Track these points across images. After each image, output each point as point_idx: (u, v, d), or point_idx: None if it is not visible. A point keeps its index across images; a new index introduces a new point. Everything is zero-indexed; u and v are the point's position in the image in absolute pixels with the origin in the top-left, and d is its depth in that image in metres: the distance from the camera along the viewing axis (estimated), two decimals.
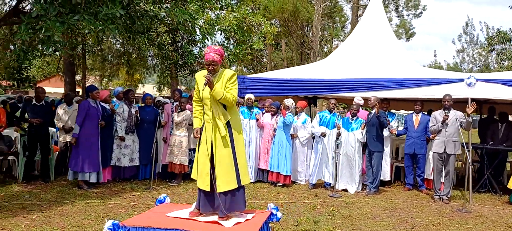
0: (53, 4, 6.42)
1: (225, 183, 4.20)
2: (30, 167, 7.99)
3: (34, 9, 6.08)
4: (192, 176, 4.51)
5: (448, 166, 7.42)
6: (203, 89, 4.29)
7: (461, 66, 35.80)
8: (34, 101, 7.96)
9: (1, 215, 5.57)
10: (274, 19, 19.80)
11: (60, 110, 8.51)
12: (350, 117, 8.13)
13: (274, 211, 4.69)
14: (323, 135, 8.13)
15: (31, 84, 40.98)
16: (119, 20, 6.61)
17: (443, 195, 7.44)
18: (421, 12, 22.99)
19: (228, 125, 4.32)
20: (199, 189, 4.36)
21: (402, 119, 10.07)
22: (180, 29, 8.48)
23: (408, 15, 23.38)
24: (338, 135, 7.89)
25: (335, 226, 5.68)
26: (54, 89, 34.82)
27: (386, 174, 8.63)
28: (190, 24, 8.20)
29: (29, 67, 35.06)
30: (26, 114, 7.91)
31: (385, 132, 8.41)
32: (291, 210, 6.49)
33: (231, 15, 9.76)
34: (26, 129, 8.11)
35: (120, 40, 18.93)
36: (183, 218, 4.21)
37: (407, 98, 8.90)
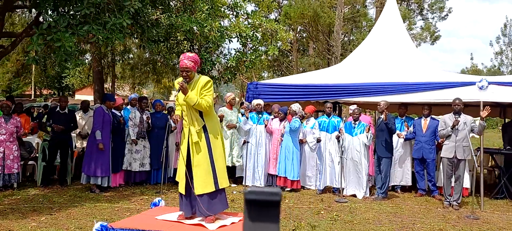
0: (64, 15, 6.76)
1: (203, 186, 4.31)
2: (50, 171, 8.37)
3: (46, 20, 6.42)
4: (176, 179, 4.65)
5: (458, 171, 7.24)
6: (175, 96, 4.42)
7: (500, 68, 34.52)
8: (58, 109, 8.35)
9: (12, 217, 5.87)
10: (295, 25, 19.85)
11: (77, 117, 8.88)
12: (353, 121, 8.08)
13: None
14: (318, 140, 8.18)
15: (70, 92, 42.61)
16: (127, 29, 6.85)
17: (453, 201, 7.27)
18: (447, 15, 22.46)
19: (204, 129, 4.42)
20: (180, 193, 4.50)
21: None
22: (188, 37, 8.66)
23: (433, 17, 22.89)
24: (338, 137, 7.89)
25: None
26: (91, 97, 36.10)
27: (407, 180, 8.53)
28: (199, 32, 8.35)
29: (68, 76, 36.51)
30: (50, 121, 8.31)
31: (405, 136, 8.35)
32: (293, 215, 6.52)
33: (241, 23, 9.87)
34: (50, 134, 8.55)
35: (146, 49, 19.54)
36: (170, 221, 4.32)
37: (418, 102, 8.76)
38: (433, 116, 8.45)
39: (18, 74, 24.84)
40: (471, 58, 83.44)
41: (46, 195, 7.40)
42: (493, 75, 9.56)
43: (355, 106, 8.31)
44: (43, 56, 6.61)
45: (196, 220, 4.35)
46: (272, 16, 24.68)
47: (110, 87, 26.59)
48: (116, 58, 22.74)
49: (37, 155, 8.63)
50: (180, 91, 4.35)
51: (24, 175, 9.07)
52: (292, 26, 21.64)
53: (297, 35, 29.44)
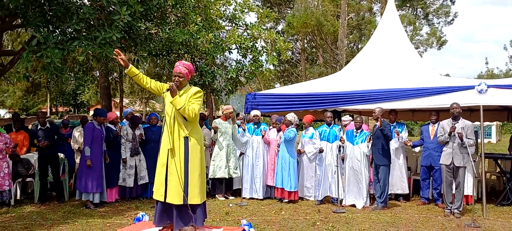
0: (54, 31, 6.79)
1: (173, 196, 4.24)
2: (45, 187, 8.37)
3: (35, 38, 6.46)
4: (154, 188, 4.59)
5: (458, 178, 7.02)
6: (164, 92, 4.39)
7: None
8: (39, 126, 8.37)
9: None
10: (299, 35, 19.76)
11: (76, 133, 8.90)
12: (355, 130, 7.91)
13: (246, 228, 4.63)
14: (321, 150, 8.01)
15: (85, 108, 43.14)
16: (117, 43, 6.85)
17: (454, 209, 7.04)
18: (453, 19, 22.15)
19: (185, 139, 4.36)
20: (156, 201, 4.42)
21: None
22: (184, 51, 8.64)
23: (439, 22, 22.58)
24: (339, 147, 7.71)
25: None
26: None
27: (404, 187, 8.31)
28: (192, 44, 8.33)
29: (82, 93, 37.03)
30: (35, 141, 8.32)
31: (395, 144, 8.13)
32: (288, 227, 6.37)
33: (238, 34, 9.83)
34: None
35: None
36: None
37: (419, 109, 8.57)
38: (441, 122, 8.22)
39: (28, 92, 25.24)
40: (486, 63, 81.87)
41: (41, 211, 7.38)
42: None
43: (347, 116, 8.16)
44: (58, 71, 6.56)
45: None
46: (272, 26, 24.65)
47: (119, 103, 26.83)
48: (123, 73, 22.91)
49: (34, 171, 8.64)
50: (169, 91, 4.31)
51: (24, 192, 9.11)
52: (297, 36, 21.59)
53: (305, 44, 29.42)
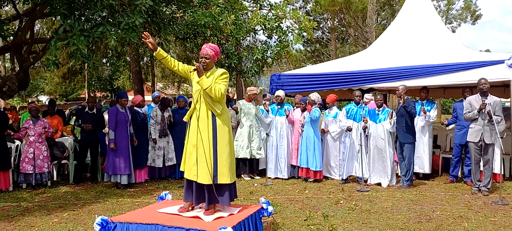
0: (80, 19, 7.01)
1: (202, 176, 4.34)
2: (81, 169, 8.76)
3: (62, 26, 6.69)
4: (181, 168, 4.70)
5: (487, 155, 6.84)
6: (190, 72, 4.46)
7: None
8: (86, 110, 8.71)
9: (38, 214, 6.18)
10: (327, 13, 19.45)
11: (106, 116, 9.21)
12: (377, 108, 7.81)
13: (264, 206, 4.71)
14: (349, 129, 7.92)
15: None
16: (140, 28, 6.99)
17: (482, 186, 6.88)
18: None
19: (213, 119, 4.44)
20: (186, 180, 4.54)
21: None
22: (205, 33, 8.72)
23: None
24: (365, 128, 7.64)
25: (344, 221, 5.54)
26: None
27: (425, 166, 8.16)
28: (214, 26, 8.39)
29: (117, 78, 38.01)
30: (79, 121, 8.68)
31: (421, 122, 7.99)
32: (310, 205, 6.42)
33: (261, 14, 9.81)
34: (79, 135, 8.93)
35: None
36: (170, 213, 4.39)
37: (449, 85, 8.36)
38: None
39: (65, 78, 26.17)
40: None
41: (75, 192, 7.74)
42: None
43: (370, 95, 8.05)
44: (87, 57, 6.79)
45: (194, 212, 4.39)
46: (302, 5, 24.31)
47: (151, 87, 27.39)
48: (154, 58, 23.35)
49: (69, 154, 9.04)
50: (196, 71, 4.38)
51: (61, 174, 9.56)
52: (327, 15, 21.26)
53: (335, 23, 28.97)
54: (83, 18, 7.05)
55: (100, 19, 7.09)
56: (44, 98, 38.83)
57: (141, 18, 6.90)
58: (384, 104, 7.90)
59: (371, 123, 7.78)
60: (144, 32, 4.57)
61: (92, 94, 41.36)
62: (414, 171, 8.03)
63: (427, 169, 8.14)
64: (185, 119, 4.67)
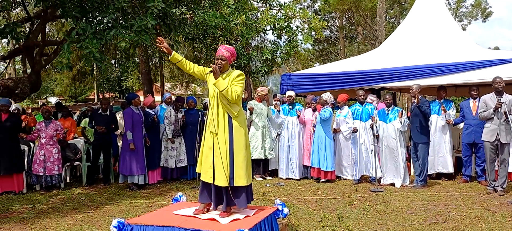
0: (92, 21, 7.04)
1: (219, 178, 4.33)
2: (94, 171, 8.80)
3: (74, 29, 6.73)
4: (197, 170, 4.68)
5: (503, 154, 6.76)
6: (207, 73, 4.45)
7: None
8: (100, 111, 8.74)
9: (53, 216, 6.21)
10: (336, 12, 19.36)
11: (117, 117, 9.23)
12: (386, 108, 7.76)
13: (280, 208, 4.69)
14: (355, 130, 7.90)
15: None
16: (152, 30, 7.01)
17: (497, 186, 6.81)
18: None
19: (229, 121, 4.42)
20: (202, 182, 4.53)
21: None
22: (215, 33, 8.72)
23: None
24: (372, 126, 7.61)
25: (360, 222, 5.50)
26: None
27: (448, 166, 8.09)
28: (224, 27, 8.39)
29: (126, 79, 38.17)
30: (93, 123, 8.71)
31: (441, 121, 7.92)
32: (324, 206, 6.39)
33: (271, 14, 9.80)
34: (90, 137, 8.97)
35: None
36: (186, 215, 4.39)
37: (461, 84, 8.28)
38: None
39: (75, 80, 26.35)
40: None
41: (88, 193, 7.78)
42: None
43: (374, 96, 8.02)
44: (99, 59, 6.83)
45: (210, 215, 4.38)
46: (309, 4, 24.23)
47: (160, 87, 27.48)
48: (163, 59, 23.43)
49: (82, 156, 9.09)
50: (212, 73, 4.37)
51: (73, 175, 9.61)
52: (335, 14, 21.18)
53: (343, 22, 28.85)
54: (95, 20, 7.09)
55: (112, 21, 7.12)
56: (53, 100, 39.15)
57: (153, 20, 6.92)
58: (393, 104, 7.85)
59: (381, 122, 7.73)
60: (158, 37, 4.56)
61: (101, 96, 41.70)
62: (438, 171, 7.97)
63: (450, 168, 8.06)
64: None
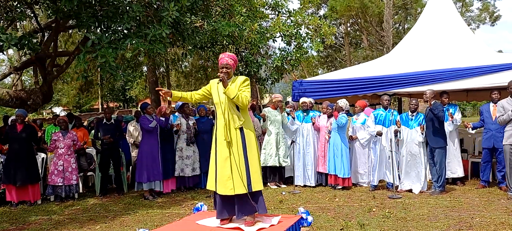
0: (107, 31, 7.04)
1: (237, 186, 4.29)
2: (106, 181, 8.77)
3: (90, 38, 6.72)
4: (208, 187, 4.61)
5: None
6: (217, 83, 4.45)
7: None
8: (104, 121, 8.73)
9: (70, 227, 6.18)
10: (343, 18, 19.36)
11: (130, 127, 9.21)
12: (410, 113, 7.69)
13: (304, 216, 4.65)
14: (379, 133, 7.80)
15: (134, 103, 44.56)
16: (166, 39, 7.01)
17: None
18: None
19: (241, 128, 4.40)
20: (218, 196, 4.47)
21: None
22: (230, 42, 8.72)
23: None
24: (396, 132, 7.53)
25: (382, 229, 5.42)
26: None
27: (458, 170, 8.00)
28: (238, 36, 8.39)
29: (131, 88, 38.24)
30: (99, 133, 8.70)
31: (449, 127, 7.84)
32: (343, 214, 6.32)
33: (282, 21, 9.80)
34: (99, 147, 8.95)
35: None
36: (210, 226, 4.34)
37: (476, 88, 8.23)
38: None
39: (82, 90, 26.35)
40: None
41: (103, 204, 7.74)
42: None
43: (387, 96, 7.95)
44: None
45: (235, 224, 4.34)
46: (314, 11, 24.29)
47: None
48: (169, 67, 23.47)
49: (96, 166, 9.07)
50: (221, 82, 4.36)
51: (86, 185, 9.59)
52: (341, 20, 21.18)
53: (348, 28, 28.87)
54: (109, 30, 7.09)
55: (127, 31, 7.12)
56: (58, 110, 39.20)
57: (167, 29, 6.92)
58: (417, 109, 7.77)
59: (404, 128, 7.66)
60: (158, 87, 4.62)
61: (105, 105, 41.76)
62: (451, 176, 7.88)
63: (460, 173, 7.97)
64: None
